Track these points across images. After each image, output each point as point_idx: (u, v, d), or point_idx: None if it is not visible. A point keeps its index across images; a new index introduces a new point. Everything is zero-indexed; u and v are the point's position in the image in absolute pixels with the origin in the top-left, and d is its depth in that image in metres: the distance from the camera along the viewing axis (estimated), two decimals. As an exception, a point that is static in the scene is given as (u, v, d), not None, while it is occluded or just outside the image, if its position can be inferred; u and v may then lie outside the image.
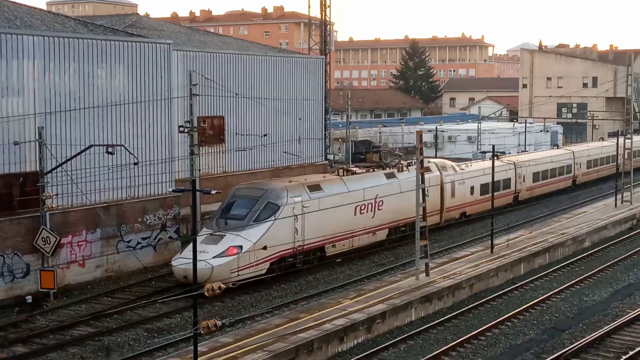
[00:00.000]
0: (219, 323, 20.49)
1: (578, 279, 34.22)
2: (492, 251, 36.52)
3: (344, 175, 38.63)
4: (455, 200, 46.20)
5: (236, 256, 31.44)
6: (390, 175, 40.37)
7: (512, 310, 29.36)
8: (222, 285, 19.54)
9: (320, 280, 34.35)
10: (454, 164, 48.00)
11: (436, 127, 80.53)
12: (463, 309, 29.67)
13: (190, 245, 31.91)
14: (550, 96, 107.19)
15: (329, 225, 35.48)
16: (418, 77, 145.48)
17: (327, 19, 67.92)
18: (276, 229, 32.92)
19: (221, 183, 43.77)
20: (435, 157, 62.50)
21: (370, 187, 38.46)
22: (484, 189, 47.50)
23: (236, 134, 44.65)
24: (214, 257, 31.09)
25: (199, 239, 31.86)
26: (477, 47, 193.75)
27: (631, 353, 24.56)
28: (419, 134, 32.22)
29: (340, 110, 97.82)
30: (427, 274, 31.90)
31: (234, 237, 32.06)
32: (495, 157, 51.69)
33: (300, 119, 49.28)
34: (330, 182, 37.15)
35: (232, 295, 31.12)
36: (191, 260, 29.59)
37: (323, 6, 67.02)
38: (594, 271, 35.71)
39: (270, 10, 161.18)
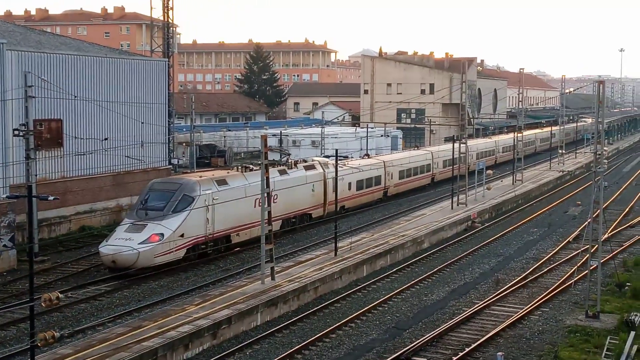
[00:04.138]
0: (57, 334, 19.75)
1: (417, 279, 35.39)
2: (336, 254, 37.13)
3: (244, 172, 41.56)
4: None
5: (159, 243, 34.73)
6: (282, 172, 44.43)
7: (355, 312, 29.99)
8: (60, 295, 18.81)
9: (165, 287, 33.78)
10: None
11: (280, 132, 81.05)
12: (308, 312, 30.02)
13: (117, 232, 35.60)
14: (390, 102, 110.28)
15: (233, 216, 39.03)
16: (262, 81, 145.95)
17: (170, 20, 66.95)
18: (192, 219, 36.50)
19: (60, 188, 42.23)
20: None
21: None
22: (359, 185, 53.24)
23: (75, 137, 43.15)
24: (139, 244, 34.22)
25: (122, 227, 35.87)
26: (320, 52, 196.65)
27: (467, 350, 25.62)
28: (264, 138, 32.35)
29: (184, 114, 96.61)
30: (273, 278, 32.04)
31: (155, 225, 35.25)
32: (367, 156, 59.28)
33: (143, 123, 48.23)
34: (234, 177, 40.38)
35: (72, 305, 30.14)
36: (118, 246, 34.23)
37: (166, 8, 66.00)
38: (432, 271, 37.05)
39: (110, 10, 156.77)
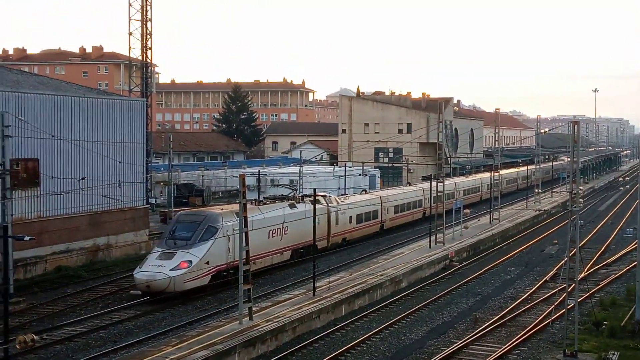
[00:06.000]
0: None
1: (396, 319, 35.29)
2: (314, 294, 36.99)
3: (259, 205, 45.41)
4: (338, 227, 54.20)
5: (188, 269, 37.71)
6: (292, 206, 47.99)
7: (333, 352, 29.80)
8: (34, 337, 18.65)
9: (141, 327, 33.46)
10: (337, 197, 55.99)
11: (259, 171, 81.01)
12: (286, 352, 29.81)
13: (149, 259, 38.61)
14: (368, 141, 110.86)
15: (250, 246, 39.41)
16: (241, 120, 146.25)
17: (149, 60, 67.18)
18: (216, 247, 39.54)
19: (36, 228, 41.92)
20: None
21: (279, 215, 45.60)
22: (359, 218, 57.36)
23: (52, 177, 42.95)
24: (170, 270, 37.24)
25: (153, 255, 38.89)
26: (298, 92, 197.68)
27: (446, 389, 25.52)
28: (242, 178, 32.36)
29: (162, 153, 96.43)
30: (251, 318, 31.84)
31: (184, 253, 38.33)
32: (365, 192, 64.92)
33: (121, 162, 48.12)
34: (251, 210, 42.00)
35: (47, 346, 29.76)
36: (153, 272, 37.39)
37: (144, 47, 66.29)
38: (410, 311, 36.97)
39: (88, 50, 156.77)
